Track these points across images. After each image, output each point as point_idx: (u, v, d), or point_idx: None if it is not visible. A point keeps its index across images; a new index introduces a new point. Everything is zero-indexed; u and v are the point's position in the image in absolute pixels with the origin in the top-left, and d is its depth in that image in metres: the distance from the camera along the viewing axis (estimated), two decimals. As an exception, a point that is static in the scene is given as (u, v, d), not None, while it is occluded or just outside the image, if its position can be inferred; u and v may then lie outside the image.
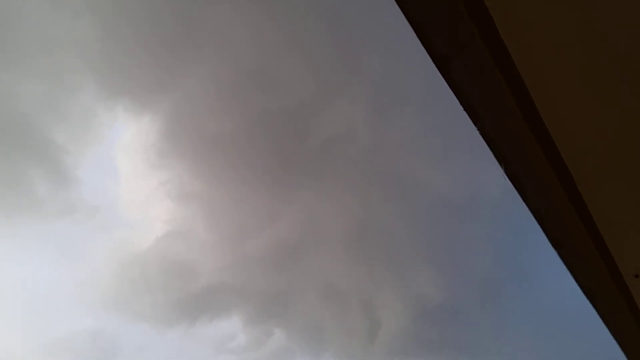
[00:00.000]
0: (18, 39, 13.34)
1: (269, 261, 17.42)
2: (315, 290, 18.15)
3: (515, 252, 18.16)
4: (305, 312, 18.17)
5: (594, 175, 1.61)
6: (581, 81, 1.25)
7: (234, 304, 18.02)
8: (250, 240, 17.50)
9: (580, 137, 1.45)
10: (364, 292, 18.16)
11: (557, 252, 1.94)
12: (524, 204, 1.73)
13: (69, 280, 16.82)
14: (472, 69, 1.22)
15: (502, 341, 17.64)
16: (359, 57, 15.18)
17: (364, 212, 17.48)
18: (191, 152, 16.57)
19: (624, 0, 1.09)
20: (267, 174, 16.73)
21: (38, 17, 13.27)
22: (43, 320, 16.64)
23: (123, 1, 13.53)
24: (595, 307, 2.31)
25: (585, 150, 1.50)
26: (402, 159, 17.03)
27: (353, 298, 18.04)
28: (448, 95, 1.35)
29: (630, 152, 1.51)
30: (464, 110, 1.38)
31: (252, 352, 17.80)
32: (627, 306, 2.26)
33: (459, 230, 17.93)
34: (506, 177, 1.59)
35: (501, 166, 1.62)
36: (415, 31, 1.17)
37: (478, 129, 1.44)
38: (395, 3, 1.12)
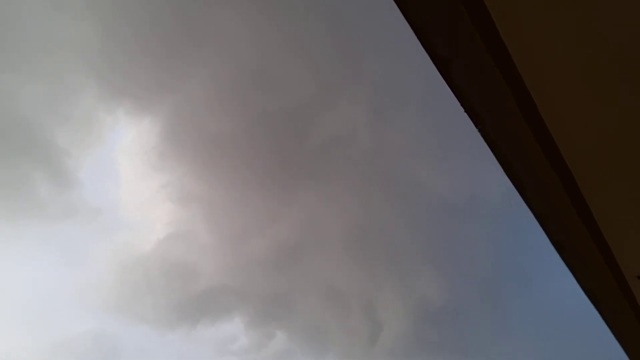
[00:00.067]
0: (20, 41, 13.37)
1: (270, 263, 17.41)
2: (316, 292, 18.14)
3: (516, 254, 18.13)
4: (306, 314, 18.15)
5: (596, 176, 1.60)
6: (582, 81, 1.25)
7: (236, 306, 18.01)
8: (251, 242, 17.50)
9: (581, 138, 1.44)
10: (365, 294, 18.14)
11: (559, 255, 1.94)
12: (526, 206, 1.73)
13: (71, 283, 16.83)
14: (472, 69, 1.22)
15: (504, 343, 17.60)
16: (360, 59, 15.19)
17: (365, 214, 17.47)
18: (192, 154, 16.58)
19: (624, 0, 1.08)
20: (268, 175, 16.73)
21: (39, 20, 13.30)
22: (45, 322, 16.65)
23: (124, 3, 13.56)
24: (597, 308, 2.30)
25: (586, 150, 1.49)
26: (403, 161, 17.03)
27: (354, 300, 18.02)
28: (448, 96, 1.35)
29: (631, 152, 1.50)
30: (465, 111, 1.37)
31: (254, 354, 17.78)
32: (630, 307, 2.25)
33: (460, 231, 17.92)
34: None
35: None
36: (415, 32, 1.16)
37: (479, 131, 1.43)
38: (395, 4, 1.12)
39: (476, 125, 1.40)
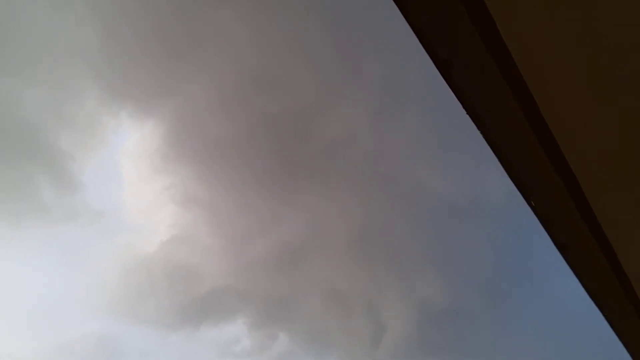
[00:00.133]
0: (22, 45, 13.42)
1: (273, 265, 17.42)
2: (319, 294, 18.13)
3: (519, 255, 18.10)
4: (309, 316, 18.15)
5: (599, 177, 1.58)
6: (584, 81, 1.24)
7: (239, 307, 18.03)
8: (254, 244, 17.52)
9: (583, 138, 1.43)
10: (368, 295, 18.12)
11: (562, 256, 1.92)
12: (527, 207, 1.71)
13: (74, 285, 16.88)
14: (472, 70, 1.21)
15: (507, 344, 17.55)
16: (361, 61, 15.20)
17: (367, 216, 17.47)
18: (195, 156, 16.62)
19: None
20: (270, 177, 16.75)
21: (42, 23, 13.35)
22: (48, 324, 16.69)
23: (126, 7, 13.60)
24: (600, 310, 2.28)
25: (589, 151, 1.48)
26: (405, 163, 17.02)
27: (357, 302, 18.00)
28: (449, 97, 1.34)
29: (635, 152, 1.49)
30: (467, 113, 1.36)
31: (257, 356, 17.79)
32: (634, 309, 2.23)
33: (462, 233, 17.89)
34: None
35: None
36: (415, 33, 1.16)
37: (481, 133, 1.42)
38: (396, 6, 1.11)
39: (477, 127, 1.39)
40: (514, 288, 17.82)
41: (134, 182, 17.16)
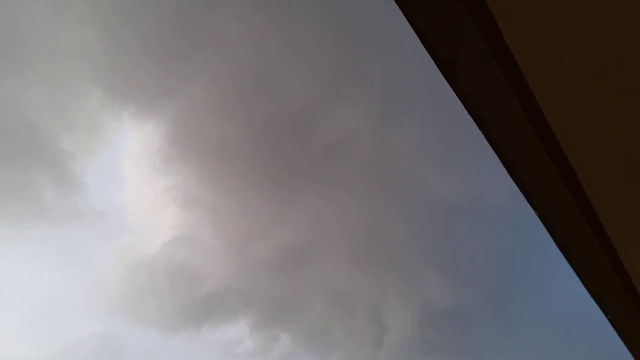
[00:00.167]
0: (24, 46, 13.46)
1: (275, 266, 17.42)
2: (321, 295, 18.12)
3: (522, 256, 18.07)
4: (311, 317, 18.14)
5: (600, 177, 1.59)
6: (585, 81, 1.24)
7: (241, 308, 18.02)
8: (256, 245, 17.52)
9: (585, 138, 1.43)
10: (370, 296, 18.11)
11: (564, 257, 1.92)
12: (529, 207, 1.71)
13: (76, 286, 16.90)
14: (474, 71, 1.21)
15: (509, 345, 17.51)
16: (363, 62, 15.20)
17: (369, 217, 17.46)
18: (196, 157, 16.63)
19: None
20: (272, 178, 16.76)
21: (44, 24, 13.38)
22: (50, 325, 16.71)
23: (128, 8, 13.63)
24: (603, 311, 2.28)
25: (590, 151, 1.48)
26: (407, 163, 17.01)
27: (359, 303, 17.99)
28: (451, 98, 1.34)
29: (636, 152, 1.49)
30: (468, 113, 1.37)
31: (259, 357, 17.78)
32: (636, 309, 2.23)
33: (465, 234, 17.88)
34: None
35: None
36: (417, 34, 1.16)
37: (483, 133, 1.42)
38: (397, 7, 1.11)
39: (479, 127, 1.39)
40: (516, 288, 17.81)
41: (136, 182, 17.19)
